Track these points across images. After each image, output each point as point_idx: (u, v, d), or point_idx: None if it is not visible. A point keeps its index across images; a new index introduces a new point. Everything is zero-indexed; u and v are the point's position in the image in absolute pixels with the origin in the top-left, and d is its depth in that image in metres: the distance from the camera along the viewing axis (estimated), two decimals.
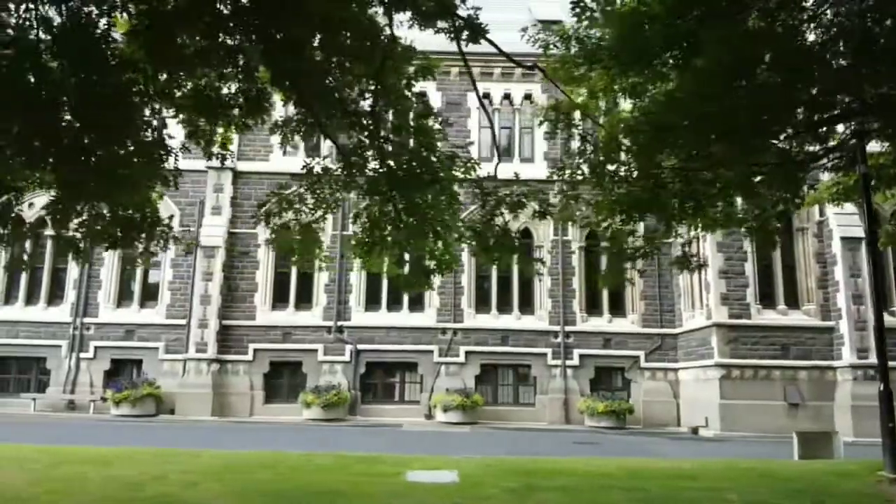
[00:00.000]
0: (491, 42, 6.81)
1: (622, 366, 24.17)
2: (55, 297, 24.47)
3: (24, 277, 24.30)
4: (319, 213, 7.64)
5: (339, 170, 7.05)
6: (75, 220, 8.51)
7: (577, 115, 9.16)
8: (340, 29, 6.51)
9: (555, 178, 8.60)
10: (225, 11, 7.37)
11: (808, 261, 22.25)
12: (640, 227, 11.72)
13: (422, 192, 6.51)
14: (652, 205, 7.59)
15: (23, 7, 7.69)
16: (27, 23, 7.69)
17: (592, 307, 24.74)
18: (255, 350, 23.85)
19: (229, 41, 7.43)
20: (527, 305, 24.78)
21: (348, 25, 6.63)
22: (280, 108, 9.10)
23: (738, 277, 21.45)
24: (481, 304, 24.73)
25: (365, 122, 6.51)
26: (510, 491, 9.32)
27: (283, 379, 24.17)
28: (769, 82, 6.84)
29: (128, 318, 24.08)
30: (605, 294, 24.83)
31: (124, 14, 7.68)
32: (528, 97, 25.80)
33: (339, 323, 24.23)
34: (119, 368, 23.95)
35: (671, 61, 7.05)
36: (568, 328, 24.16)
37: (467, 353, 24.09)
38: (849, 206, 16.77)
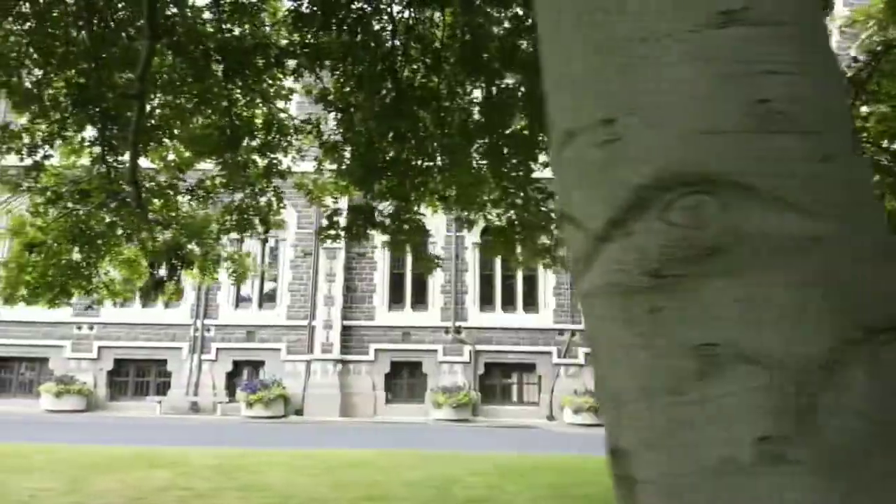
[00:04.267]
0: None
1: None
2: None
3: None
4: None
5: None
6: None
7: None
8: None
9: None
10: None
11: None
12: None
13: None
14: None
15: None
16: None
17: None
18: (376, 350, 23.82)
19: None
20: None
21: None
22: None
23: None
24: None
25: None
26: None
27: (402, 379, 24.13)
28: None
29: (248, 319, 24.03)
30: None
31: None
32: None
33: (457, 323, 24.20)
34: (239, 370, 23.91)
35: None
36: None
37: (586, 354, 24.03)
38: None
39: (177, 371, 23.61)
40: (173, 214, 7.71)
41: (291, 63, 7.51)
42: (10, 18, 7.32)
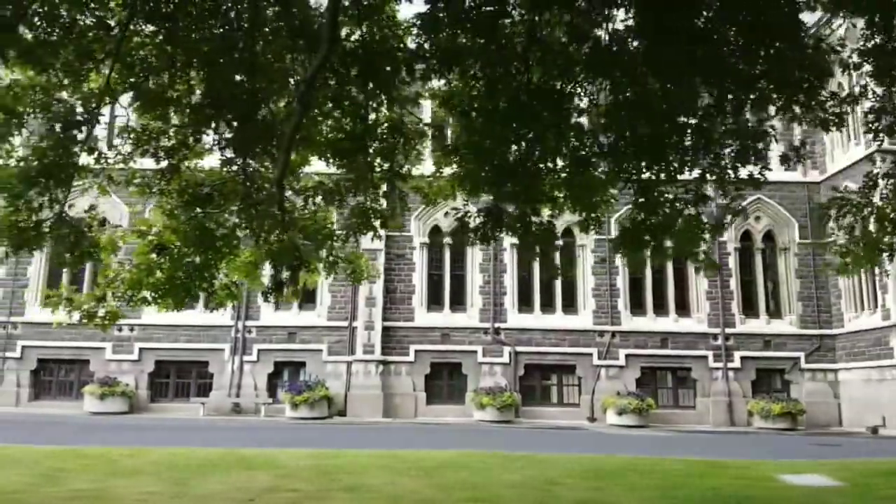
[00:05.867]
0: None
1: (782, 367, 24.16)
2: None
3: None
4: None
5: None
6: None
7: None
8: None
9: None
10: None
11: None
12: None
13: None
14: None
15: None
16: None
17: (748, 309, 24.75)
18: (416, 351, 23.83)
19: None
20: (682, 308, 24.78)
21: None
22: None
23: None
24: (636, 307, 24.72)
25: None
26: None
27: (442, 380, 24.14)
28: None
29: (288, 320, 24.03)
30: (761, 295, 24.87)
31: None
32: None
33: (496, 325, 24.20)
34: (279, 371, 23.95)
35: None
36: (727, 330, 24.16)
37: (627, 355, 24.07)
38: None
39: (218, 373, 23.61)
40: (296, 216, 7.73)
41: (419, 67, 7.52)
42: (135, 19, 7.33)
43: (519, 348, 24.02)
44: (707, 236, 7.39)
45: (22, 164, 6.46)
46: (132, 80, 7.37)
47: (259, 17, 7.56)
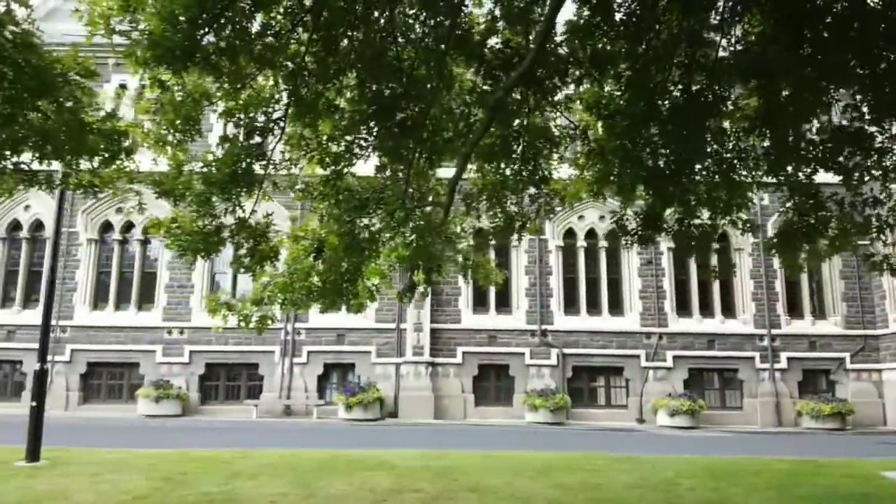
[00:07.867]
0: None
1: (828, 368, 24.30)
2: None
3: (228, 283, 24.37)
4: None
5: None
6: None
7: None
8: None
9: None
10: None
11: None
12: None
13: None
14: None
15: None
16: None
17: (793, 310, 24.88)
18: (464, 353, 23.93)
19: None
20: (728, 309, 24.92)
21: None
22: None
23: None
24: (682, 308, 24.84)
25: None
26: None
27: (489, 382, 24.25)
28: None
29: (337, 322, 24.03)
30: (806, 296, 25.01)
31: None
32: None
33: (543, 327, 24.31)
34: (328, 373, 24.04)
35: None
36: (773, 331, 24.29)
37: (674, 357, 24.19)
38: None
39: (268, 375, 23.70)
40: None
41: (572, 71, 7.63)
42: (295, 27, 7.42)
43: (566, 350, 24.13)
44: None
45: (205, 170, 6.57)
46: (291, 86, 7.48)
47: (411, 24, 7.69)
